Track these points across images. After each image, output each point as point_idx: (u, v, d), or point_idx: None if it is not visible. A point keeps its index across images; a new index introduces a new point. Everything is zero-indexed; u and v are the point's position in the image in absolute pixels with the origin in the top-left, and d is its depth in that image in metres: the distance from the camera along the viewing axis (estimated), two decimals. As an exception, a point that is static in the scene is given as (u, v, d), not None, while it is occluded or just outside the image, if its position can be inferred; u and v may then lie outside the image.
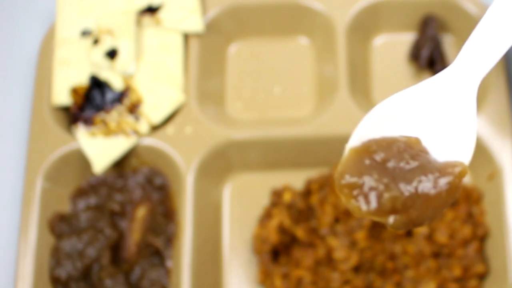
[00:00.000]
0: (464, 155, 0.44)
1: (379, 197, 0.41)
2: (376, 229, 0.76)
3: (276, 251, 0.76)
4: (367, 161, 0.42)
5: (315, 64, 0.85)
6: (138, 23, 0.83)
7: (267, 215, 0.77)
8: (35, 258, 0.75)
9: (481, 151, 0.77)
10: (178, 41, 0.82)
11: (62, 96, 0.80)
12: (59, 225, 0.77)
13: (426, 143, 0.44)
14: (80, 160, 0.79)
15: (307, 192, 0.78)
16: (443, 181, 0.42)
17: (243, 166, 0.81)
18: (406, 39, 0.85)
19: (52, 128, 0.79)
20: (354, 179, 0.41)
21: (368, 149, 0.42)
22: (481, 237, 0.76)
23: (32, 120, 0.80)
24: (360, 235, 0.75)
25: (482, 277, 0.75)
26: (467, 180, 0.79)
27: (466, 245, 0.75)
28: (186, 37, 0.83)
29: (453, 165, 0.43)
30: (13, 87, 0.85)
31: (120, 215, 0.78)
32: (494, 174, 0.77)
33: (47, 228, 0.77)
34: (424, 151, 0.43)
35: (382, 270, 0.75)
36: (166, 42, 0.82)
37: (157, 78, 0.81)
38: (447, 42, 0.85)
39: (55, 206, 0.78)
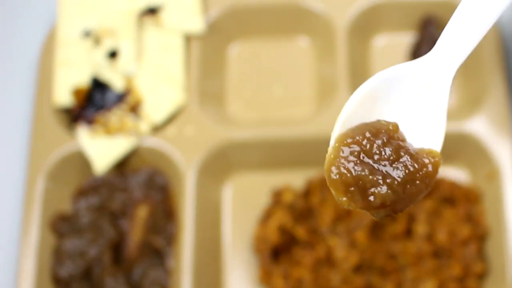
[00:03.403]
0: (435, 143, 0.45)
1: (371, 195, 0.42)
2: (376, 229, 0.76)
3: (276, 251, 0.76)
4: (355, 157, 0.43)
5: (315, 64, 0.85)
6: (139, 23, 0.83)
7: (267, 215, 0.78)
8: (36, 258, 0.75)
9: (481, 151, 0.77)
10: (179, 42, 0.83)
11: (64, 97, 0.80)
12: (61, 225, 0.78)
13: (403, 127, 0.45)
14: (81, 160, 0.79)
15: (307, 192, 0.78)
16: (422, 173, 0.43)
17: (243, 166, 0.81)
18: (406, 39, 0.86)
19: (54, 128, 0.80)
20: (344, 175, 0.42)
21: (354, 142, 0.44)
22: (480, 237, 0.76)
23: (33, 121, 0.81)
24: (360, 235, 0.75)
25: (481, 276, 0.75)
26: (467, 180, 0.80)
27: (466, 245, 0.75)
28: (187, 37, 0.84)
29: (430, 154, 0.44)
30: (14, 88, 0.86)
31: (121, 215, 0.78)
32: (493, 174, 0.77)
33: (49, 228, 0.78)
34: (402, 140, 0.44)
35: (382, 270, 0.75)
36: (167, 42, 0.82)
37: (158, 78, 0.81)
38: (447, 42, 0.84)
39: (57, 205, 0.79)
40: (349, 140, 0.43)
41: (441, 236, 0.75)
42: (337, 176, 0.42)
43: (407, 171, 0.43)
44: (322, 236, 0.76)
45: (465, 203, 0.77)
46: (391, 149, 0.43)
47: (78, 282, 0.76)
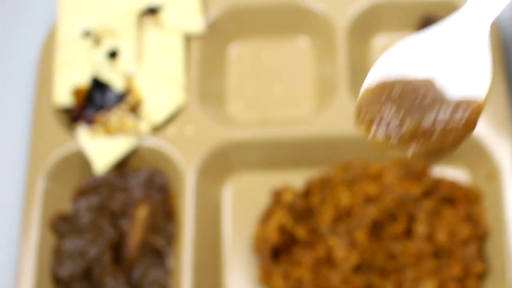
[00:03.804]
0: (480, 92, 0.44)
1: (399, 126, 0.42)
2: (376, 229, 0.76)
3: (276, 251, 0.76)
4: (384, 97, 0.43)
5: (315, 64, 0.85)
6: (139, 23, 0.83)
7: (267, 215, 0.78)
8: (36, 258, 0.75)
9: (481, 151, 0.77)
10: (179, 42, 0.83)
11: (64, 97, 0.80)
12: (61, 225, 0.78)
13: (441, 83, 0.45)
14: (81, 160, 0.79)
15: (307, 192, 0.78)
16: (459, 115, 0.43)
17: (243, 166, 0.81)
18: (406, 39, 0.86)
19: (54, 128, 0.80)
20: (372, 113, 0.43)
21: (383, 87, 0.44)
22: (480, 237, 0.76)
23: (33, 121, 0.81)
24: (360, 235, 0.75)
25: (481, 276, 0.75)
26: (467, 180, 0.80)
27: (466, 245, 0.75)
28: (187, 37, 0.84)
29: (469, 100, 0.44)
30: (14, 88, 0.86)
31: (121, 215, 0.78)
32: (493, 174, 0.77)
33: (49, 228, 0.78)
34: (439, 91, 0.44)
35: (382, 270, 0.75)
36: (167, 42, 0.82)
37: (158, 78, 0.81)
38: (447, 42, 0.85)
39: (57, 205, 0.79)
40: (376, 89, 0.44)
41: (441, 236, 0.75)
42: (365, 115, 0.43)
43: (440, 112, 0.43)
44: (322, 236, 0.76)
45: (465, 203, 0.77)
46: (422, 94, 0.43)
47: (78, 282, 0.76)
